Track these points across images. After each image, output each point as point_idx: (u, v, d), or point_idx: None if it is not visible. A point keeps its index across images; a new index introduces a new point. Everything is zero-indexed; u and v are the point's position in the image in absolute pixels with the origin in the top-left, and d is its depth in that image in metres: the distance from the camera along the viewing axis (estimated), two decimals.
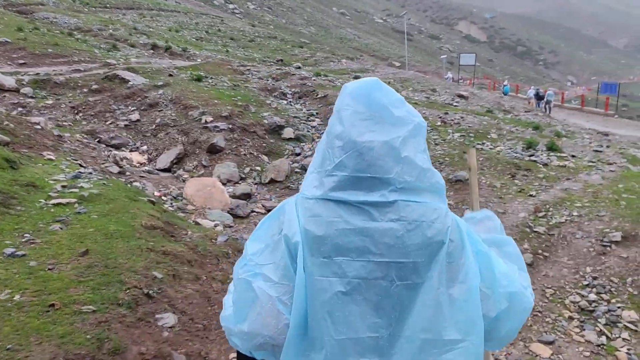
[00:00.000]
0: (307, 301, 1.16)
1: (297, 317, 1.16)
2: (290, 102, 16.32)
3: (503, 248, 1.38)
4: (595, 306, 5.27)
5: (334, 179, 1.18)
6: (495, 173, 8.57)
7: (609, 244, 6.15)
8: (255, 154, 11.26)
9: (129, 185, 6.42)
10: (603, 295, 5.40)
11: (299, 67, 24.55)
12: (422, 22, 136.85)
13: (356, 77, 20.47)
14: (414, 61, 61.50)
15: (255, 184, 10.07)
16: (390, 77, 25.66)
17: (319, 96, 16.22)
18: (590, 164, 9.27)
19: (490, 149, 10.22)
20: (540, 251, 6.24)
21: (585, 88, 59.75)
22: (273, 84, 18.04)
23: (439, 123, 12.21)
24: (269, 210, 9.40)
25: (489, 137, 11.20)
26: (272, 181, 9.95)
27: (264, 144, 11.75)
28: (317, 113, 14.67)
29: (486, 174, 8.50)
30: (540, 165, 8.89)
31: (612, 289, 5.48)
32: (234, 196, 9.00)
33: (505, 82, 41.72)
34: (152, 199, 5.70)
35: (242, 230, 7.60)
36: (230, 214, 8.16)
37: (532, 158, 9.33)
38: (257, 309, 1.19)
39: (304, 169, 10.15)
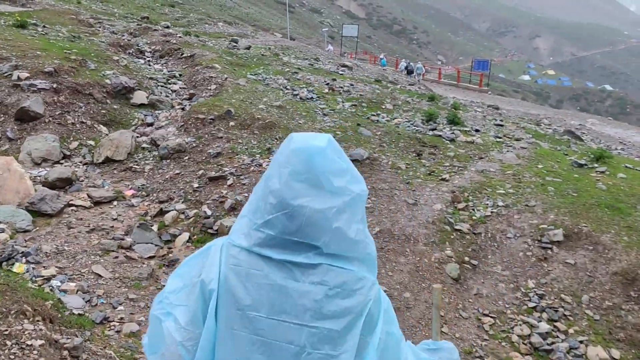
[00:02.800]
0: (213, 352, 1.13)
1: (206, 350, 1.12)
2: (148, 61, 13.39)
3: None
4: (552, 342, 3.74)
5: (261, 235, 1.14)
6: (398, 151, 6.90)
7: (549, 245, 4.73)
8: (89, 123, 8.42)
9: None
10: (558, 324, 3.90)
11: (168, 27, 21.10)
12: None
13: (234, 41, 17.75)
14: (295, 33, 59.51)
15: (86, 164, 7.35)
16: (272, 44, 23.37)
17: (184, 55, 13.46)
18: (497, 139, 8.05)
19: (387, 120, 8.58)
20: (467, 258, 4.63)
21: (453, 67, 63.03)
22: (128, 40, 14.86)
23: (326, 90, 10.35)
24: (97, 203, 6.80)
25: (383, 107, 9.60)
26: (108, 160, 7.32)
27: (104, 111, 8.91)
28: (180, 75, 12.00)
29: (387, 152, 6.79)
30: (447, 141, 7.42)
31: (567, 313, 4.01)
32: (45, 183, 6.28)
33: (382, 56, 43.19)
34: None
35: (42, 237, 5.03)
36: (30, 211, 5.50)
37: (436, 132, 7.85)
38: (163, 349, 1.18)
39: (154, 144, 7.67)
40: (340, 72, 15.93)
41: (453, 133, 7.91)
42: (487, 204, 5.41)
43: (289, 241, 1.11)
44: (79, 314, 3.65)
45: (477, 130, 8.55)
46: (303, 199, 1.10)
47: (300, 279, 1.10)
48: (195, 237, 5.36)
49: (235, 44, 15.33)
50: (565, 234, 4.79)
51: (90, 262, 4.63)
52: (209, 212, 5.64)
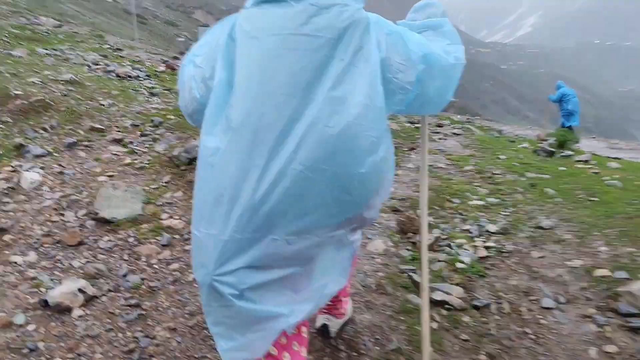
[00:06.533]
0: (234, 64, 1.26)
1: (223, 73, 1.27)
2: None
3: (439, 29, 1.46)
4: None
5: None
6: None
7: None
8: None
9: None
10: None
11: None
12: (157, 7, 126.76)
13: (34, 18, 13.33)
14: (150, 45, 54.39)
15: None
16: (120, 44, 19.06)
17: None
18: None
19: None
20: None
21: None
22: None
23: (162, 68, 7.07)
24: None
25: None
26: None
27: None
28: None
29: None
30: None
31: None
32: None
33: None
34: None
35: None
36: None
37: None
38: (183, 85, 1.44)
39: None
40: None
41: None
42: (470, 231, 2.69)
43: None
44: None
45: None
46: None
47: (296, 5, 1.24)
48: None
49: (37, 21, 11.14)
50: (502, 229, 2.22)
51: None
52: None
